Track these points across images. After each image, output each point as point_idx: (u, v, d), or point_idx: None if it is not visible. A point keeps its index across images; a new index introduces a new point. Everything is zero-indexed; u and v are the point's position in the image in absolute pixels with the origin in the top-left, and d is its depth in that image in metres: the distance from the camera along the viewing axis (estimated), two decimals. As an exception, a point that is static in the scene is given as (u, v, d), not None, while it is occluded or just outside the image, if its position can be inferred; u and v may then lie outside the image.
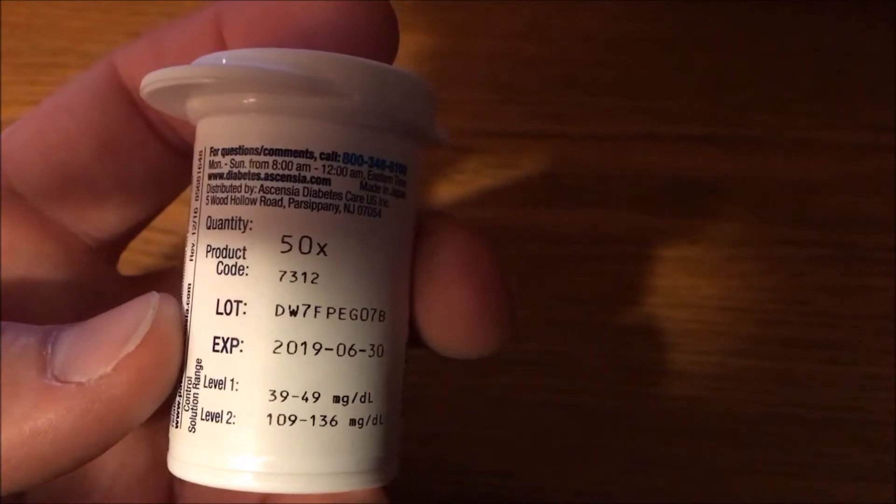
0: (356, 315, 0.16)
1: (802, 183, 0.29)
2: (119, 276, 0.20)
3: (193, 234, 0.16)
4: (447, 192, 0.29)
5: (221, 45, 0.18)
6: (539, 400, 0.29)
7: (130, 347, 0.15)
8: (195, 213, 0.16)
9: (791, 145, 0.29)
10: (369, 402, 0.16)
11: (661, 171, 0.29)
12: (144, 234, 0.22)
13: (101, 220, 0.19)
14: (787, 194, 0.29)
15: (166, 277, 0.20)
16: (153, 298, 0.16)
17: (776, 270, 0.28)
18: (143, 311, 0.16)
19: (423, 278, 0.17)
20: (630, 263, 0.29)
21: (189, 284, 0.16)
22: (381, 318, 0.16)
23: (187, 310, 0.16)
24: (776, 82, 0.29)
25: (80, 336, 0.16)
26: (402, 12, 0.30)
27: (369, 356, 0.16)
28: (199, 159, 0.16)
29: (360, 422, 0.16)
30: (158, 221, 0.21)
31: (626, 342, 0.29)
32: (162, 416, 0.17)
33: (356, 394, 0.16)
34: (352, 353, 0.16)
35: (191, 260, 0.16)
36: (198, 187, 0.16)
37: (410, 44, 0.29)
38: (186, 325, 0.16)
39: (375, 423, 0.16)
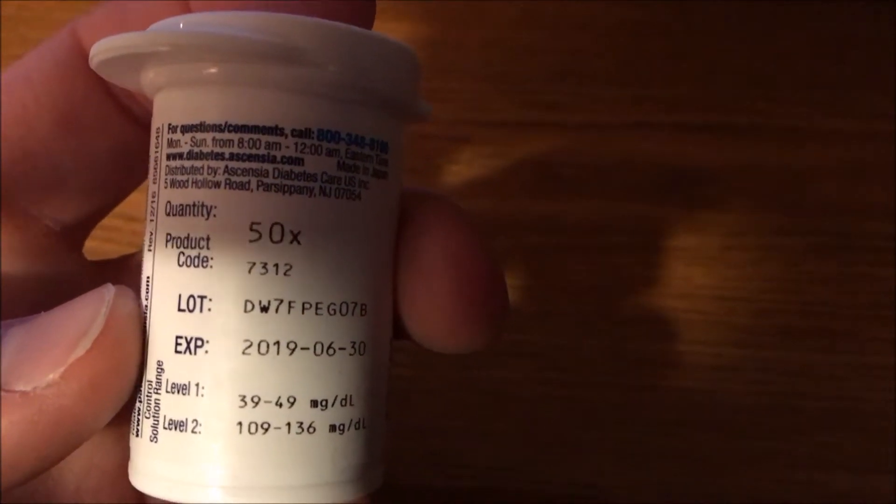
0: (335, 310, 0.14)
1: (799, 171, 0.28)
2: (84, 261, 0.19)
3: (152, 220, 0.14)
4: (441, 182, 0.29)
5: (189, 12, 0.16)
6: (536, 392, 0.28)
7: (80, 351, 0.14)
8: (153, 197, 0.14)
9: (787, 134, 0.28)
10: (350, 405, 0.14)
11: (657, 161, 0.28)
12: (108, 221, 0.20)
13: (62, 203, 0.17)
14: (784, 183, 0.28)
15: (135, 264, 0.18)
16: (107, 293, 0.14)
17: (773, 259, 0.28)
18: (96, 307, 0.14)
19: (405, 267, 0.16)
20: (626, 254, 0.28)
21: (148, 277, 0.14)
22: (363, 312, 0.14)
23: (146, 306, 0.14)
24: (772, 70, 0.29)
25: (27, 338, 0.14)
26: (395, 1, 0.30)
27: (350, 355, 0.14)
28: (157, 137, 0.14)
29: (341, 427, 0.14)
30: (123, 207, 0.19)
31: (622, 333, 0.28)
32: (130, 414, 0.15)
33: (336, 397, 0.14)
34: (330, 352, 0.14)
35: (149, 250, 0.14)
36: (155, 168, 0.14)
37: (403, 33, 0.29)
38: (146, 323, 0.14)
39: (358, 428, 0.14)
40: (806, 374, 0.28)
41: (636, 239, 0.28)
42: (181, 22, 0.14)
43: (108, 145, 0.17)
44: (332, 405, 0.14)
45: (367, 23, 0.16)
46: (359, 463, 0.14)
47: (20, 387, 0.14)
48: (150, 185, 0.15)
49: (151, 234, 0.14)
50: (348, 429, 0.14)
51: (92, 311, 0.14)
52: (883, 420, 0.27)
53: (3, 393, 0.13)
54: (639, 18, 0.29)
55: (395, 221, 0.15)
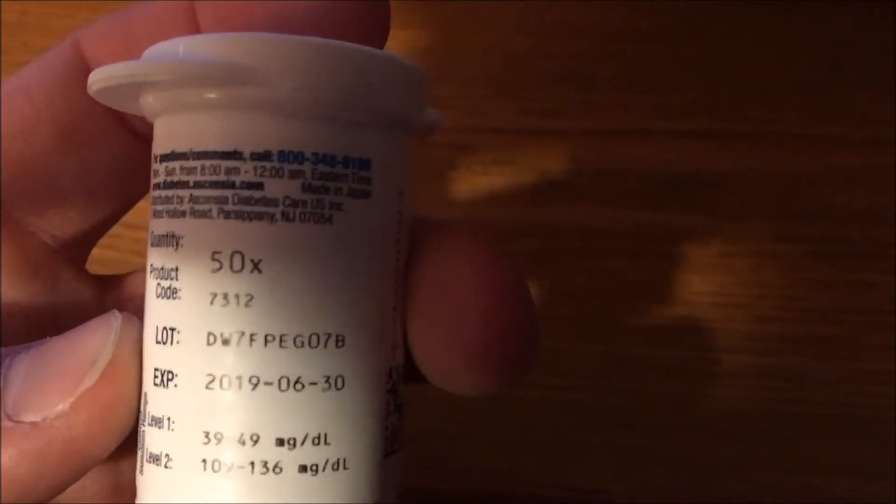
0: (302, 342, 0.13)
1: (797, 178, 0.28)
2: (87, 277, 0.18)
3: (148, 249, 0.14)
4: (441, 189, 0.29)
5: (195, 28, 0.16)
6: (534, 397, 0.28)
7: (89, 382, 0.13)
8: (149, 225, 0.14)
9: (786, 140, 0.28)
10: (325, 443, 0.13)
11: (656, 167, 0.28)
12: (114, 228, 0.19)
13: (62, 218, 0.17)
14: (783, 189, 0.28)
15: (139, 280, 0.18)
16: (115, 321, 0.14)
17: (771, 266, 0.28)
18: (103, 337, 0.14)
19: (423, 301, 0.14)
20: (625, 259, 0.28)
21: (144, 308, 0.14)
22: (339, 344, 0.13)
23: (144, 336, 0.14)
24: (771, 77, 0.28)
25: (35, 366, 0.14)
26: (394, 8, 0.30)
27: (323, 390, 0.13)
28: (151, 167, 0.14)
29: (314, 468, 0.13)
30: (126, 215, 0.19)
31: (621, 338, 0.28)
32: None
33: (307, 435, 0.13)
34: (298, 387, 0.13)
35: (147, 277, 0.14)
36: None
37: (403, 40, 0.28)
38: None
39: (336, 469, 0.13)
40: (804, 380, 0.28)
41: (635, 245, 0.28)
42: (156, 50, 0.13)
43: (109, 159, 0.17)
44: (303, 444, 0.13)
45: (384, 23, 0.15)
46: None
47: (29, 417, 0.13)
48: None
49: (146, 262, 0.14)
50: (323, 469, 0.13)
51: (100, 339, 0.14)
52: (881, 425, 0.27)
53: (12, 424, 0.13)
54: (638, 25, 0.29)
55: (392, 243, 0.14)
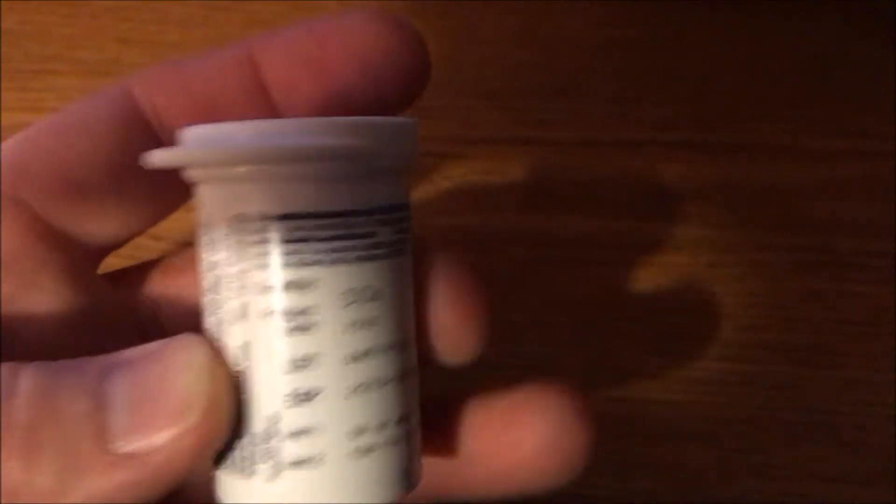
0: (405, 345, 0.17)
1: (786, 189, 0.28)
2: (101, 278, 0.20)
3: (240, 294, 0.16)
4: (435, 198, 0.29)
5: (252, 77, 0.18)
6: (525, 403, 0.29)
7: (192, 420, 0.14)
8: (243, 273, 0.16)
9: (775, 151, 0.28)
10: (414, 415, 0.17)
11: (647, 177, 0.28)
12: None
13: (101, 229, 0.18)
14: (771, 200, 0.28)
15: (143, 272, 0.20)
16: (203, 356, 0.15)
17: (759, 276, 0.28)
18: (198, 377, 0.15)
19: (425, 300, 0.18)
20: (615, 269, 0.28)
21: (246, 342, 0.16)
22: (411, 342, 0.17)
23: (244, 367, 0.16)
24: (761, 88, 0.29)
25: (135, 401, 0.15)
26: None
27: (412, 377, 0.17)
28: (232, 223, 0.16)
29: (410, 434, 0.17)
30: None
31: (610, 347, 0.28)
32: None
33: (409, 412, 0.17)
34: (404, 378, 0.17)
35: (242, 318, 0.16)
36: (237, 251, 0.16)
37: None
38: (242, 382, 0.16)
39: (416, 431, 0.18)
40: (789, 388, 0.28)
41: (625, 254, 0.28)
42: (263, 132, 0.16)
43: (153, 188, 0.18)
44: (410, 419, 0.17)
45: (418, 71, 0.18)
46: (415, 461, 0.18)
47: (134, 449, 0.14)
48: (234, 265, 0.16)
49: (245, 305, 0.16)
50: (415, 431, 0.18)
51: (194, 379, 0.15)
52: (864, 433, 0.27)
53: (117, 457, 0.14)
54: (630, 37, 0.30)
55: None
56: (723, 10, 0.29)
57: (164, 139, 0.18)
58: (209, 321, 0.17)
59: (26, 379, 0.14)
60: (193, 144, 0.16)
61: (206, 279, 0.17)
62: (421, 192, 0.29)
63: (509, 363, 0.28)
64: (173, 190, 0.18)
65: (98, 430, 0.14)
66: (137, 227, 0.19)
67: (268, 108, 0.18)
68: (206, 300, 0.17)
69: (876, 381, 0.28)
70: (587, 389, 0.28)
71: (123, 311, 0.19)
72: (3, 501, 0.14)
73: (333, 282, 0.16)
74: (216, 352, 0.16)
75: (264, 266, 0.16)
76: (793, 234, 0.28)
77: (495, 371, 0.28)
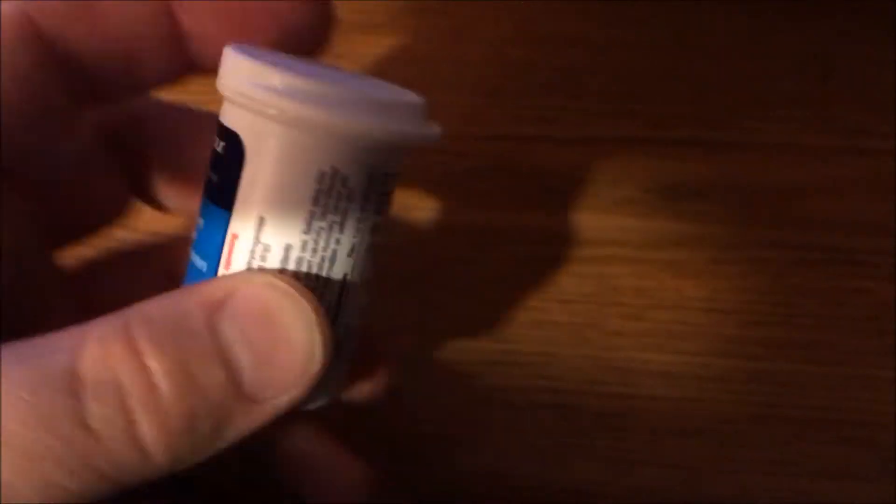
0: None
1: (786, 186, 0.28)
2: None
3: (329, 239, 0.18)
4: (436, 195, 0.29)
5: (169, 26, 0.18)
6: (526, 400, 0.28)
7: (314, 370, 0.16)
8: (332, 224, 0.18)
9: (775, 149, 0.28)
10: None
11: (648, 174, 0.28)
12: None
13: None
14: (772, 197, 0.28)
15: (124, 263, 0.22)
16: (314, 316, 0.16)
17: (760, 272, 0.28)
18: (311, 336, 0.16)
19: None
20: (616, 265, 0.28)
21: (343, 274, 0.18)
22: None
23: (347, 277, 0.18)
24: (761, 86, 0.29)
25: (260, 359, 0.16)
26: (391, 18, 0.31)
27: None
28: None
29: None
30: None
31: (612, 343, 0.28)
32: None
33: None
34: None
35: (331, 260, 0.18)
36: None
37: (400, 49, 0.29)
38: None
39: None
40: (791, 385, 0.28)
41: (626, 251, 0.28)
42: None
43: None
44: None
45: (327, 23, 0.19)
46: None
47: (266, 398, 0.16)
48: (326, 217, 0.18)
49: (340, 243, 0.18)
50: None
51: (310, 338, 0.16)
52: (865, 429, 0.28)
53: (250, 405, 0.16)
54: (631, 36, 0.30)
55: None
56: (723, 10, 0.29)
57: (68, 69, 0.18)
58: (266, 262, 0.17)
59: (153, 360, 0.15)
60: (351, 113, 0.17)
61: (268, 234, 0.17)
62: (421, 189, 0.29)
63: (507, 360, 0.28)
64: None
65: (235, 392, 0.16)
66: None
67: (181, 57, 0.19)
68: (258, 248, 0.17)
69: (878, 377, 0.28)
70: (589, 386, 0.28)
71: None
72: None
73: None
74: (314, 300, 0.16)
75: (354, 216, 0.18)
76: (794, 232, 0.28)
77: (493, 367, 0.28)
